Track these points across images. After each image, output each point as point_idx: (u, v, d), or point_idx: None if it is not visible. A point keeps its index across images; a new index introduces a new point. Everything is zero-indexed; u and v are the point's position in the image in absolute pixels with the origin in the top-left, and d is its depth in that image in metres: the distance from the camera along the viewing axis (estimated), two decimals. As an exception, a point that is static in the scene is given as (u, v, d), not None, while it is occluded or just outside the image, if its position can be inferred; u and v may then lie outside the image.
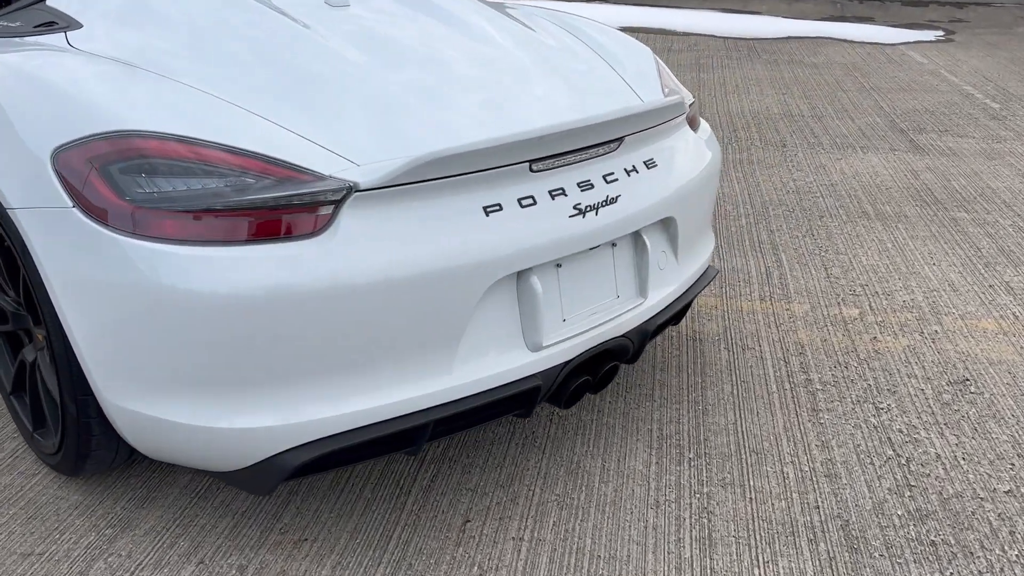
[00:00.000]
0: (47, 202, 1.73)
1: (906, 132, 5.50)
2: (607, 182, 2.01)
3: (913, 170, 4.73)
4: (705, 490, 2.18)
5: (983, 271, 3.45)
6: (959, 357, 2.80)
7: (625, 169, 2.07)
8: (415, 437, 1.83)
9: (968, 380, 2.67)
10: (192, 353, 1.67)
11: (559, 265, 1.96)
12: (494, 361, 1.88)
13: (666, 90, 2.44)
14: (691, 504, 2.12)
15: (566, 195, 1.93)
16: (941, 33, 9.30)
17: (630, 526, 2.04)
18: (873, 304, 3.16)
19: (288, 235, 1.66)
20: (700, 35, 8.92)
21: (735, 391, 2.60)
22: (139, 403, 1.74)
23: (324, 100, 1.90)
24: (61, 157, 1.74)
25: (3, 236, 1.95)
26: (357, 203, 1.70)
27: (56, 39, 2.12)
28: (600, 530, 2.03)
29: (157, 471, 2.20)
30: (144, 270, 1.63)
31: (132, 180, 1.68)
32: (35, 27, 2.22)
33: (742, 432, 2.41)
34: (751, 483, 2.20)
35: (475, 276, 1.78)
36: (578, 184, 1.96)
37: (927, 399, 2.57)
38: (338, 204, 1.69)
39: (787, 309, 3.12)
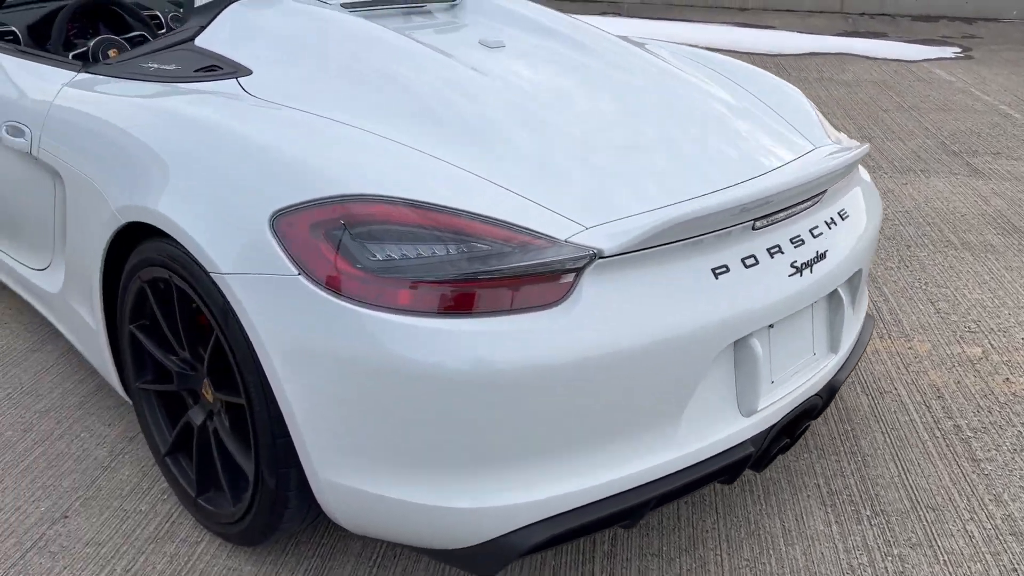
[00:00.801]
0: (267, 268, 1.63)
1: (960, 155, 5.49)
2: (814, 236, 1.95)
3: (981, 195, 4.71)
4: (895, 552, 2.11)
5: (1089, 306, 3.43)
6: (1099, 400, 2.76)
7: (825, 222, 2.02)
8: (639, 511, 1.75)
9: (1117, 426, 2.63)
10: (425, 429, 1.58)
11: (771, 326, 1.89)
12: (711, 429, 1.81)
13: (831, 135, 2.38)
14: (887, 568, 2.06)
15: (783, 252, 1.86)
16: (958, 50, 9.36)
17: (835, 594, 1.98)
18: (993, 342, 3.12)
19: (530, 306, 1.58)
20: (722, 50, 8.90)
21: (887, 439, 2.54)
22: (358, 480, 1.64)
23: (535, 158, 1.82)
24: (282, 222, 1.64)
25: (190, 298, 1.85)
26: (597, 270, 1.62)
27: (228, 86, 2.02)
28: (806, 599, 1.96)
29: (328, 537, 2.10)
30: (379, 342, 1.54)
31: (363, 247, 1.58)
32: (196, 71, 2.11)
33: (911, 486, 2.35)
34: (939, 543, 2.14)
35: (710, 341, 1.71)
36: (791, 240, 1.90)
37: (1084, 447, 2.53)
38: (579, 272, 1.60)
39: (909, 348, 3.07)
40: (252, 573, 1.99)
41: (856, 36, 10.03)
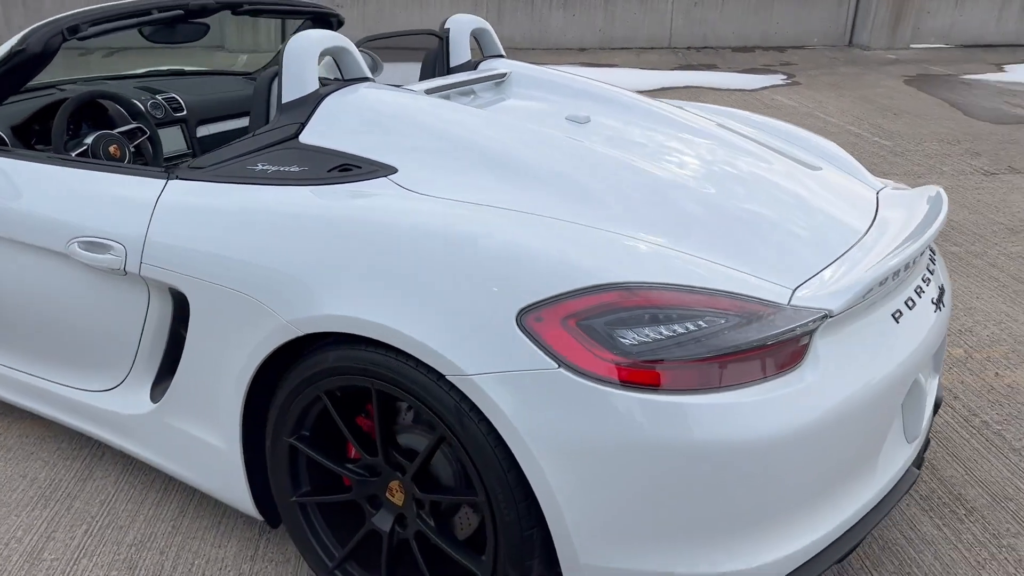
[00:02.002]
0: (522, 365, 1.65)
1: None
2: (930, 272, 2.20)
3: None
4: (1005, 542, 2.37)
5: None
6: None
7: (930, 258, 2.27)
8: (853, 550, 1.89)
9: None
10: (693, 501, 1.65)
11: None
12: (892, 461, 1.98)
13: (879, 183, 2.65)
14: (1007, 558, 2.31)
15: (924, 290, 2.08)
16: (784, 76, 10.31)
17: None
18: (967, 342, 3.53)
19: (776, 372, 1.69)
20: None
21: (937, 442, 2.83)
22: (622, 559, 1.69)
23: (704, 227, 1.93)
24: (529, 317, 1.66)
25: (395, 404, 1.82)
26: (824, 330, 1.76)
27: (382, 185, 2.00)
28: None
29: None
30: (649, 423, 1.61)
31: (614, 333, 1.64)
32: (330, 171, 2.07)
33: (981, 481, 2.63)
34: (1034, 528, 2.43)
35: (906, 380, 1.89)
36: (923, 278, 2.12)
37: None
38: (812, 333, 1.74)
39: None
40: (463, 672, 1.96)
41: (691, 69, 10.81)
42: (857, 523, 1.87)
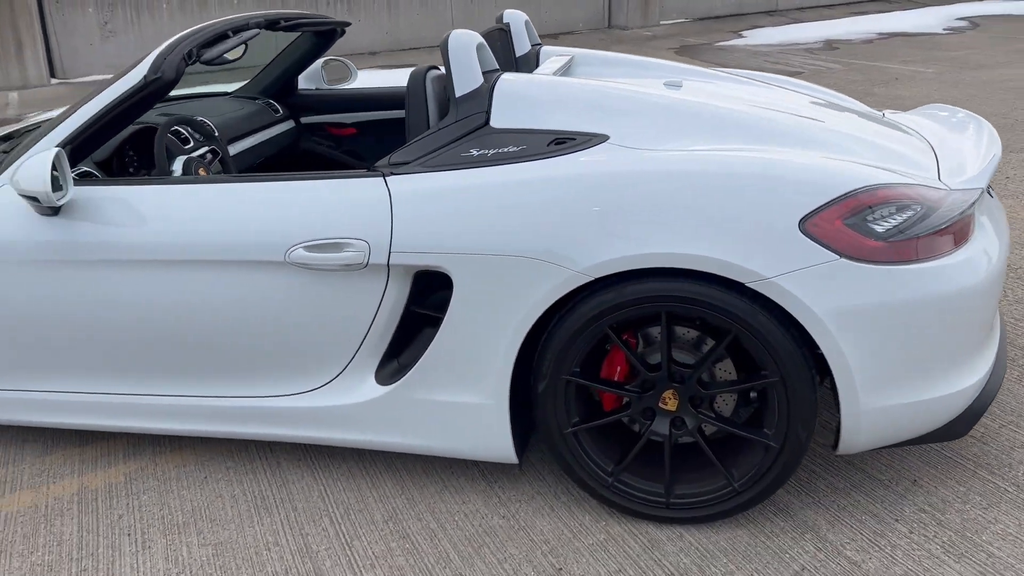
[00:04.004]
0: (811, 262, 2.12)
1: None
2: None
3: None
4: None
5: None
6: None
7: None
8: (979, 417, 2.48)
9: None
10: (936, 337, 2.20)
11: None
12: (997, 331, 2.66)
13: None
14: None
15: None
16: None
17: None
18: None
19: (964, 239, 2.28)
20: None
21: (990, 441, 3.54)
22: (897, 396, 2.22)
23: (862, 151, 2.48)
24: (808, 224, 2.13)
25: (689, 319, 2.20)
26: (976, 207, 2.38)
27: (607, 148, 2.34)
28: None
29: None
30: (911, 285, 2.15)
31: (871, 224, 2.16)
32: (549, 145, 2.38)
33: None
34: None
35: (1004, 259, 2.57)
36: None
37: None
38: (974, 208, 2.35)
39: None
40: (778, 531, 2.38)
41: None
42: (988, 381, 2.47)
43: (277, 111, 3.91)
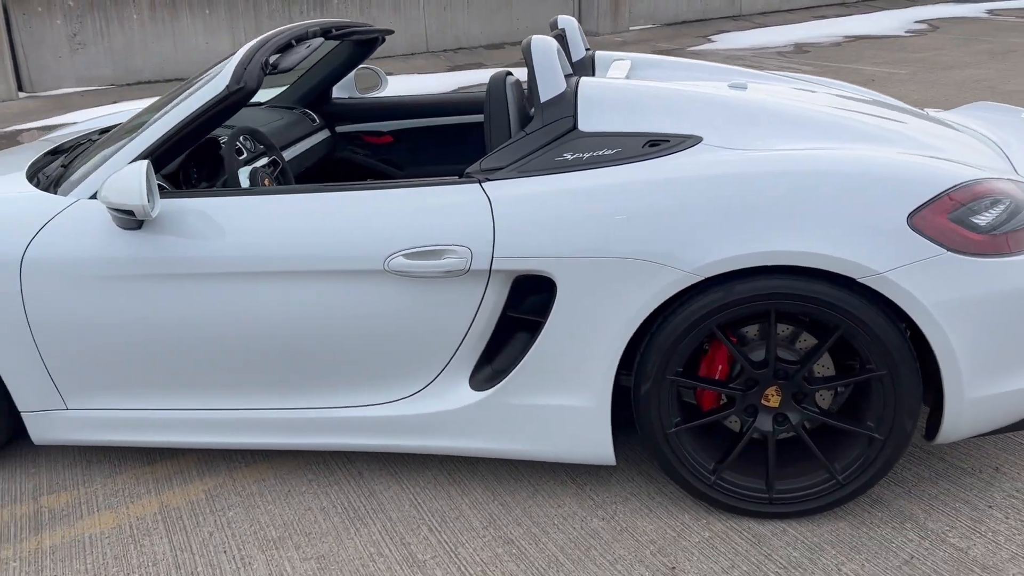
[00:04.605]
0: (919, 256, 2.18)
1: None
2: None
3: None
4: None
5: None
6: None
7: None
8: None
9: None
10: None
11: None
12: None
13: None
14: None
15: None
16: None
17: None
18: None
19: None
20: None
21: None
22: (1000, 385, 2.28)
23: (942, 147, 2.55)
24: (916, 219, 2.19)
25: (794, 317, 2.24)
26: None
27: (702, 150, 2.37)
28: None
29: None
30: (1013, 277, 2.22)
31: (973, 219, 2.22)
32: (644, 147, 2.40)
33: None
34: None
35: None
36: None
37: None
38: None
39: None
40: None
41: (462, 70, 11.46)
42: None
43: (314, 120, 3.88)
